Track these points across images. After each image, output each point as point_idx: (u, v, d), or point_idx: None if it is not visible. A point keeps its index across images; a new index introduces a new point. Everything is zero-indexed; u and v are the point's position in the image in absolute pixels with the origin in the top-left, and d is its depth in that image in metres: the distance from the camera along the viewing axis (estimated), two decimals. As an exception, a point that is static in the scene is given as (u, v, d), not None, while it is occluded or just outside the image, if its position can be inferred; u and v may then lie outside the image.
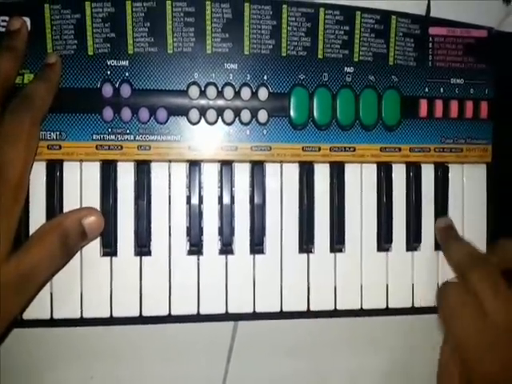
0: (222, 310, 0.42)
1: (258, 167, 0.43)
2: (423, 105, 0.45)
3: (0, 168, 0.35)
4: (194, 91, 0.42)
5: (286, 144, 0.43)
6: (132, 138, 0.41)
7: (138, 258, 0.42)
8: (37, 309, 0.40)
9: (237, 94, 0.42)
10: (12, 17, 0.39)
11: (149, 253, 0.42)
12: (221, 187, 0.43)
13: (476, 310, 0.38)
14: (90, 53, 0.41)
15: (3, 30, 0.39)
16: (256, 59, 0.42)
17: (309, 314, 0.44)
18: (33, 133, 0.37)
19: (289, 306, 0.43)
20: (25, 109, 0.37)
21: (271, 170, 0.44)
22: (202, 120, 0.42)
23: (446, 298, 0.40)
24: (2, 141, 0.35)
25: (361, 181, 0.45)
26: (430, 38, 0.45)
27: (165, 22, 0.41)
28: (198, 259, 0.43)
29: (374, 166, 0.45)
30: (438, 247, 0.46)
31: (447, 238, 0.45)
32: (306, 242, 0.44)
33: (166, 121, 0.41)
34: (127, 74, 0.41)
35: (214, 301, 0.42)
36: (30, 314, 0.40)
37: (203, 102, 0.42)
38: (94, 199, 0.41)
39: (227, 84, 0.42)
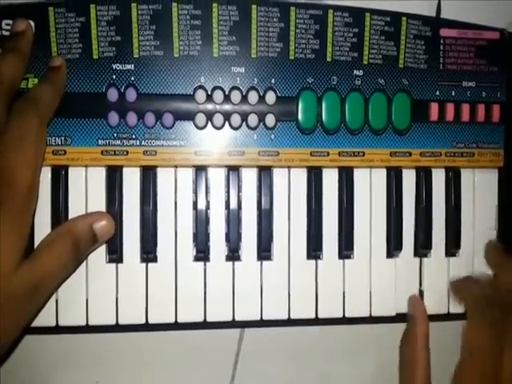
0: (229, 318, 0.42)
1: (265, 172, 0.42)
2: (434, 108, 0.44)
3: (10, 173, 0.34)
4: (200, 95, 0.41)
5: (293, 149, 0.42)
6: (138, 143, 0.40)
7: (144, 264, 0.41)
8: (42, 316, 0.39)
9: (244, 98, 0.42)
10: (17, 19, 0.39)
11: (155, 259, 0.41)
12: (228, 193, 0.42)
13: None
14: (95, 56, 0.40)
15: (7, 33, 0.39)
16: (263, 62, 0.42)
17: (317, 321, 0.43)
18: (41, 135, 0.36)
19: (297, 314, 0.43)
20: (32, 111, 0.36)
21: (279, 175, 0.43)
22: (209, 124, 0.41)
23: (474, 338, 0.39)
24: (10, 145, 0.34)
25: (370, 186, 0.44)
26: (441, 40, 0.44)
27: (171, 25, 0.40)
28: (205, 265, 0.42)
29: (384, 170, 0.44)
30: (447, 254, 0.45)
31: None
32: (314, 249, 0.43)
33: (172, 125, 0.41)
34: (133, 78, 0.40)
35: (221, 308, 0.42)
36: (36, 320, 0.39)
37: (210, 106, 0.41)
38: (99, 205, 0.41)
39: (234, 88, 0.41)
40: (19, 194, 0.34)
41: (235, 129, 0.42)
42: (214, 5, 0.41)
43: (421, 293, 0.45)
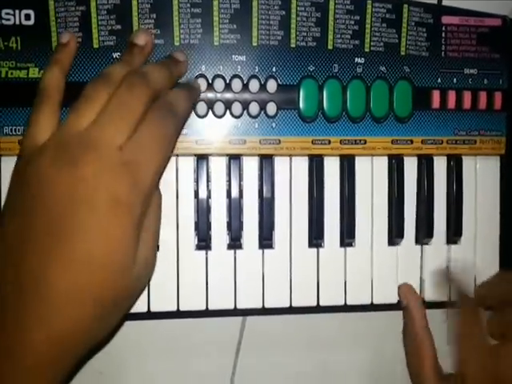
0: (231, 306, 0.42)
1: (266, 161, 0.42)
2: (436, 96, 0.44)
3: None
4: (201, 84, 0.41)
5: (295, 137, 0.42)
6: (139, 132, 0.40)
7: (146, 253, 0.41)
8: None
9: (245, 87, 0.41)
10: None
11: (156, 248, 0.41)
12: (229, 181, 0.42)
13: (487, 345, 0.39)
14: (96, 46, 0.40)
15: (7, 23, 0.39)
16: (264, 51, 0.42)
17: (318, 309, 0.43)
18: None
19: (298, 301, 0.43)
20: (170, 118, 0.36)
21: (280, 163, 0.43)
22: (210, 113, 0.41)
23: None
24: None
25: (371, 174, 0.44)
26: (443, 28, 0.44)
27: (171, 13, 0.40)
28: (207, 254, 0.42)
29: (385, 158, 0.44)
30: (449, 241, 0.45)
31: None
32: (315, 237, 0.43)
33: (173, 114, 0.41)
34: (133, 67, 0.40)
35: (223, 296, 0.42)
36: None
37: (211, 94, 0.41)
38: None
39: (235, 76, 0.41)
40: None
41: (236, 117, 0.41)
42: (215, -8, 0.41)
43: (422, 280, 0.45)
